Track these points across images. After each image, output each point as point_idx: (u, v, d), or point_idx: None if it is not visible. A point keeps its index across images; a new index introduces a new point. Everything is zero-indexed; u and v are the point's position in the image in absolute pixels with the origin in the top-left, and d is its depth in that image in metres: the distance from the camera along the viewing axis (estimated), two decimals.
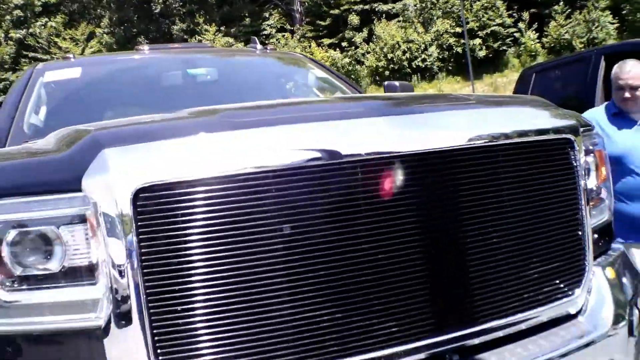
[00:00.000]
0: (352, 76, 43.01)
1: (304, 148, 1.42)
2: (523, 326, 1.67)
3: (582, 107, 5.73)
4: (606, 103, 3.75)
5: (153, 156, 1.35)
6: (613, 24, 38.37)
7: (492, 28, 39.51)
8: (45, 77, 3.08)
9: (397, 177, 1.51)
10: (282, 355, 1.39)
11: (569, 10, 35.70)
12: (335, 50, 44.92)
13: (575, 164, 1.79)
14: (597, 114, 3.68)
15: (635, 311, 1.99)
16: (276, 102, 2.29)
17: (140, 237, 1.30)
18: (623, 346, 1.84)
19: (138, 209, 1.30)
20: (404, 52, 43.99)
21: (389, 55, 43.85)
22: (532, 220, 1.71)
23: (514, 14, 36.17)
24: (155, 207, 1.31)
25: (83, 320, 1.36)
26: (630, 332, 1.88)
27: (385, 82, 3.66)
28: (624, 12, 36.07)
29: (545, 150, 1.77)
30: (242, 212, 1.37)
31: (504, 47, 40.57)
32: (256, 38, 4.01)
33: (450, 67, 42.64)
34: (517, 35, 40.97)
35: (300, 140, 1.43)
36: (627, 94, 3.48)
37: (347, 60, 45.11)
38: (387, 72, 42.98)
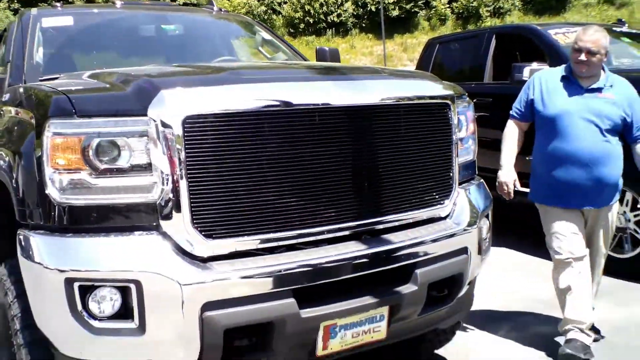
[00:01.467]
0: (267, 25, 43.05)
1: (285, 99, 2.28)
2: (410, 220, 2.64)
3: (473, 77, 6.78)
4: (563, 66, 3.75)
5: (192, 96, 2.17)
6: None
7: None
8: (42, 23, 3.71)
9: (338, 120, 2.41)
10: (281, 221, 2.26)
11: None
12: None
13: (450, 120, 2.75)
14: (548, 74, 3.75)
15: (485, 220, 3.01)
16: (266, 64, 3.13)
17: (187, 146, 2.12)
18: (474, 240, 2.83)
19: (185, 129, 2.11)
20: (321, 6, 44.16)
21: (306, 7, 43.89)
22: (421, 154, 2.66)
23: None
24: (195, 128, 2.14)
25: (143, 198, 2.16)
26: (480, 232, 2.89)
27: (317, 47, 4.52)
28: None
29: (432, 109, 2.73)
30: (242, 133, 2.21)
31: (416, 9, 41.71)
32: (213, 0, 4.75)
33: (363, 25, 43.42)
34: None
35: (284, 93, 2.29)
36: (583, 57, 3.47)
37: (263, 8, 44.69)
38: (302, 25, 43.19)
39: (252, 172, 2.23)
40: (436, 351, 3.79)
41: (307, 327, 2.30)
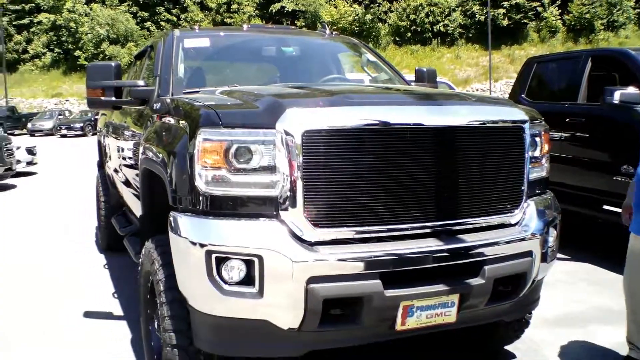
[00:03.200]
0: (372, 33, 43.68)
1: (383, 119, 2.84)
2: (483, 224, 3.12)
3: (568, 96, 7.04)
4: None
5: (310, 115, 2.77)
6: (635, 8, 38.63)
7: (518, 0, 39.77)
8: (185, 43, 4.46)
9: (427, 138, 2.94)
10: (374, 217, 2.82)
11: None
12: (359, 6, 45.25)
13: (524, 141, 3.21)
14: None
15: (552, 230, 3.43)
16: (369, 88, 3.73)
17: (304, 153, 2.72)
18: (538, 245, 3.27)
19: (304, 140, 2.71)
20: (427, 15, 44.25)
21: (412, 17, 44.13)
22: (495, 169, 3.14)
23: None
24: (311, 140, 2.73)
25: (268, 192, 2.78)
26: (545, 239, 3.32)
27: (416, 68, 5.05)
28: None
29: (509, 131, 3.20)
30: (347, 146, 2.79)
31: (525, 20, 40.95)
32: (325, 23, 5.40)
33: (470, 35, 43.15)
34: (539, 9, 41.30)
35: (383, 115, 2.86)
36: None
37: (369, 17, 45.38)
38: (408, 34, 43.51)
39: (353, 177, 2.80)
40: (506, 347, 4.22)
41: (389, 305, 2.84)
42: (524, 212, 3.28)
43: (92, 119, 36.30)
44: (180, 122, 3.15)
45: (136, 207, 4.79)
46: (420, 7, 43.81)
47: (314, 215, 2.76)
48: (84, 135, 35.46)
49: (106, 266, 6.66)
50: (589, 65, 6.94)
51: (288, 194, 2.75)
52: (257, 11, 44.26)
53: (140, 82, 4.24)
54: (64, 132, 35.90)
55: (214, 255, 2.75)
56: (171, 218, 2.97)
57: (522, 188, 3.26)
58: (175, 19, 45.82)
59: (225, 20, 43.05)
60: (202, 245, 2.77)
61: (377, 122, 2.84)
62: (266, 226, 2.77)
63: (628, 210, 3.76)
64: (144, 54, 5.66)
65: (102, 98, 4.17)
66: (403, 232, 2.92)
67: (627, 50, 6.64)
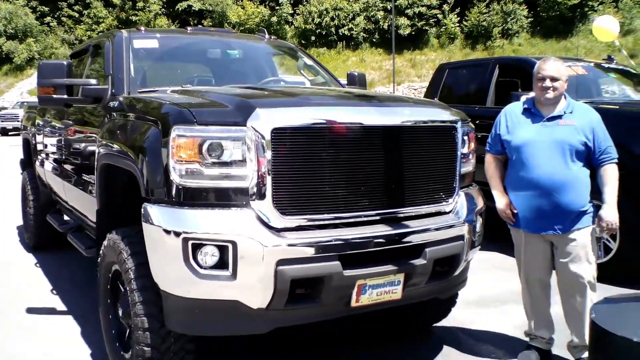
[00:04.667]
0: (279, 35, 44.08)
1: (339, 119, 3.20)
2: (423, 212, 3.55)
3: (477, 100, 7.69)
4: (525, 99, 4.08)
5: (277, 114, 3.09)
6: (527, 17, 41.11)
7: (420, 9, 41.30)
8: (134, 44, 4.64)
9: (375, 135, 3.33)
10: (333, 206, 3.17)
11: None
12: (265, 8, 45.48)
13: (455, 139, 3.67)
14: (512, 108, 4.05)
15: (479, 217, 3.91)
16: (324, 91, 4.09)
17: (272, 149, 3.02)
18: (469, 231, 3.73)
19: (272, 136, 3.02)
20: (332, 19, 45.02)
21: (316, 20, 44.74)
22: (432, 163, 3.58)
23: None
24: (278, 137, 3.04)
25: (239, 184, 3.06)
26: (474, 226, 3.79)
27: (348, 72, 5.47)
28: (539, 8, 38.79)
29: (442, 130, 3.65)
30: (309, 142, 3.12)
31: (426, 27, 42.56)
32: (265, 29, 5.72)
33: (374, 40, 44.37)
34: (440, 16, 43.04)
35: (339, 115, 3.22)
36: (547, 83, 3.74)
37: (274, 19, 45.63)
38: (313, 37, 44.18)
39: (315, 171, 3.14)
40: (435, 324, 4.70)
41: (347, 283, 3.20)
42: (456, 201, 3.73)
43: None
44: (151, 119, 3.37)
45: (81, 203, 4.92)
46: (325, 11, 44.55)
47: (281, 204, 3.08)
48: None
49: (37, 264, 6.64)
50: (496, 72, 7.61)
51: (257, 185, 3.05)
52: (163, 9, 43.52)
53: (93, 81, 4.39)
54: None
55: (190, 242, 3.01)
56: (146, 209, 3.19)
57: (455, 180, 3.72)
58: (77, 14, 44.28)
59: (130, 17, 42.07)
60: (178, 233, 3.02)
61: (335, 121, 3.20)
62: (238, 215, 3.06)
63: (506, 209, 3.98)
64: (83, 52, 5.75)
65: (54, 96, 4.29)
66: (357, 219, 3.29)
67: (530, 58, 7.36)
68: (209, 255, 3.03)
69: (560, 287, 3.94)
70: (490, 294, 5.46)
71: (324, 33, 42.81)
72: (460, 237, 3.64)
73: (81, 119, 4.82)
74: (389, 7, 38.06)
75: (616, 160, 3.79)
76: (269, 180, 3.05)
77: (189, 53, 5.05)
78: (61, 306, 5.27)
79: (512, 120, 3.97)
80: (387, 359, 4.16)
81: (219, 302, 3.12)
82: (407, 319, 4.63)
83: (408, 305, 4.13)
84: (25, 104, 20.69)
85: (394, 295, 3.42)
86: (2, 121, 33.17)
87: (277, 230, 3.07)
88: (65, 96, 4.31)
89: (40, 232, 7.02)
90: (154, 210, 3.15)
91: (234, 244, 2.99)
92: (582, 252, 3.80)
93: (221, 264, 3.04)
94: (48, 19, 44.71)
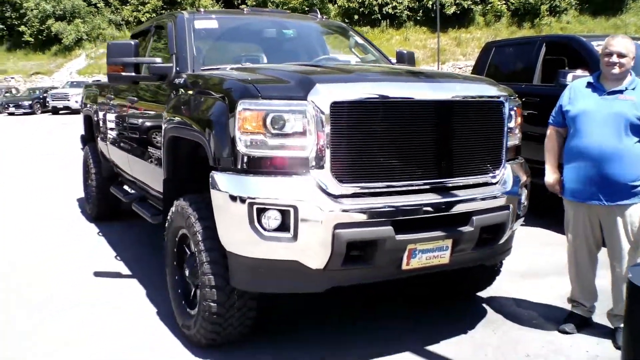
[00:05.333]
0: (322, 14, 44.17)
1: (394, 94, 3.42)
2: (471, 182, 3.75)
3: (524, 78, 7.76)
4: (591, 75, 4.18)
5: (336, 89, 3.33)
6: None
7: None
8: (195, 25, 4.92)
9: (428, 109, 3.54)
10: (387, 175, 3.40)
11: None
12: None
13: (503, 114, 3.85)
14: (577, 82, 4.17)
15: (524, 189, 4.09)
16: (380, 67, 4.32)
17: (331, 121, 3.27)
18: (514, 201, 3.92)
19: (331, 110, 3.27)
20: None
21: None
22: (480, 137, 3.77)
23: None
24: (337, 110, 3.28)
25: (300, 153, 3.31)
26: (519, 196, 3.97)
27: (397, 50, 5.66)
28: None
29: (490, 105, 3.84)
30: (365, 115, 3.36)
31: (472, 6, 42.07)
32: (317, 10, 5.94)
33: (418, 18, 44.02)
34: None
35: (394, 90, 3.44)
36: (614, 58, 3.85)
37: None
38: (356, 16, 44.11)
39: (370, 142, 3.37)
40: (479, 293, 4.91)
41: (398, 247, 3.43)
42: (503, 173, 3.92)
43: (41, 96, 35.67)
44: (217, 94, 3.65)
45: (146, 174, 5.25)
46: None
47: (338, 173, 3.33)
48: (33, 113, 34.83)
49: (100, 233, 7.05)
50: (543, 50, 7.67)
51: (317, 155, 3.30)
52: None
53: (159, 60, 4.69)
54: (11, 110, 35.10)
55: (255, 207, 3.29)
56: (214, 176, 3.47)
57: (502, 153, 3.90)
58: None
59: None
60: (244, 199, 3.30)
61: (390, 96, 3.43)
62: (299, 182, 3.31)
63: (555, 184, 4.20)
64: (144, 33, 6.08)
65: (123, 74, 4.61)
66: (409, 187, 3.52)
67: (577, 36, 7.40)
68: (272, 219, 3.30)
69: (609, 257, 4.09)
70: (534, 267, 5.63)
71: (367, 12, 42.69)
72: (505, 207, 3.83)
73: (147, 96, 5.14)
74: None
75: None
76: (327, 150, 3.29)
77: (246, 33, 5.32)
78: (125, 270, 5.64)
79: (574, 93, 4.10)
80: (432, 322, 4.39)
81: (281, 262, 3.39)
82: (453, 285, 4.84)
83: (454, 272, 4.37)
84: (85, 82, 21.40)
85: (442, 260, 3.64)
86: (53, 100, 34.19)
87: (335, 197, 3.32)
88: (133, 74, 4.62)
89: (101, 204, 7.44)
90: (221, 178, 3.43)
91: (295, 208, 3.25)
92: (629, 226, 3.92)
93: (283, 227, 3.30)
94: (95, 0, 45.62)
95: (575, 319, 4.26)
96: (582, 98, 4.03)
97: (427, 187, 3.59)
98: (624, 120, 3.83)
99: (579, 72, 6.74)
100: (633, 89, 3.92)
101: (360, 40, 5.66)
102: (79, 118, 9.14)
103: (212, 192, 3.48)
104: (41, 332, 4.27)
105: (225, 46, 5.18)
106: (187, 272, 4.03)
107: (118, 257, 6.06)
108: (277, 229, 3.31)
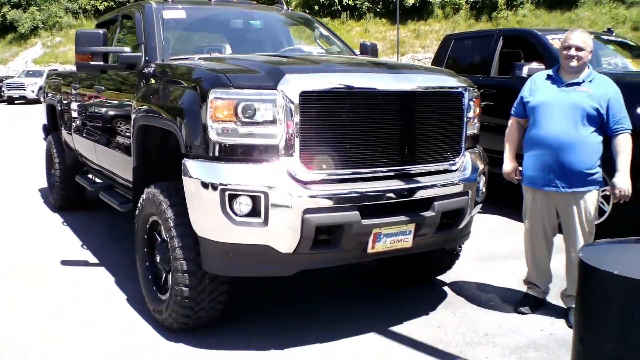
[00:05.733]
0: (281, 3, 44.09)
1: (359, 84, 3.58)
2: (432, 169, 3.93)
3: (482, 70, 8.01)
4: (551, 69, 4.35)
5: (304, 79, 3.47)
6: None
7: None
8: (164, 15, 4.98)
9: (391, 99, 3.70)
10: (353, 162, 3.55)
11: None
12: None
13: (463, 103, 4.05)
14: (538, 75, 4.38)
15: (482, 176, 4.30)
16: (344, 59, 4.47)
17: (300, 110, 3.40)
18: (473, 187, 4.12)
19: (300, 99, 3.40)
20: None
21: None
22: (441, 126, 3.96)
23: None
24: (306, 99, 3.42)
25: (270, 141, 3.44)
26: (478, 183, 4.18)
27: (360, 42, 5.82)
28: None
29: (451, 95, 4.02)
30: (332, 104, 3.50)
31: None
32: (283, 1, 6.07)
33: (378, 10, 44.30)
34: None
35: (358, 80, 3.60)
36: (572, 52, 4.04)
37: None
38: (317, 7, 44.16)
39: (336, 130, 3.53)
40: (439, 277, 5.12)
41: (364, 231, 3.59)
42: (462, 161, 4.12)
43: None
44: (189, 83, 3.74)
45: (114, 163, 5.31)
46: None
47: (307, 160, 3.47)
48: None
49: (64, 223, 7.05)
50: (500, 43, 7.93)
51: (286, 143, 3.44)
52: None
53: (127, 49, 4.74)
54: None
55: (227, 193, 3.40)
56: (186, 164, 3.57)
57: (461, 142, 4.10)
58: None
59: None
60: (216, 185, 3.41)
61: (355, 87, 3.58)
62: (269, 169, 3.44)
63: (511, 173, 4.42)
64: (111, 22, 6.10)
65: (91, 62, 4.65)
66: (374, 174, 3.68)
67: (533, 30, 7.67)
68: (244, 205, 3.43)
69: (565, 242, 4.32)
70: (492, 252, 5.87)
71: (327, 3, 42.79)
72: (465, 193, 4.03)
73: (115, 85, 5.18)
74: None
75: (629, 131, 4.05)
76: (296, 138, 3.43)
77: (213, 23, 5.40)
78: (92, 258, 5.68)
79: (535, 85, 4.30)
80: (395, 304, 4.58)
81: (251, 247, 3.52)
82: (415, 269, 5.03)
83: (416, 256, 4.56)
84: (40, 71, 20.75)
85: (405, 244, 3.82)
86: (8, 90, 33.39)
87: (304, 183, 3.46)
88: (102, 63, 4.67)
89: (65, 193, 7.43)
90: (193, 165, 3.54)
91: (265, 194, 3.38)
92: (583, 212, 4.13)
93: (254, 212, 3.43)
94: None
95: (530, 301, 4.50)
96: (542, 90, 4.22)
97: (391, 173, 3.75)
98: (580, 111, 4.03)
99: (534, 64, 7.01)
100: (590, 81, 4.11)
101: (324, 32, 5.80)
102: (37, 108, 9.07)
103: (184, 179, 3.58)
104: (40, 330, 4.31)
105: (193, 36, 5.26)
106: (158, 258, 4.12)
107: (84, 246, 6.09)
108: (248, 214, 3.44)
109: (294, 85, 3.42)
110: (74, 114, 6.53)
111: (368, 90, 3.62)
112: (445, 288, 4.94)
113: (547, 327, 4.18)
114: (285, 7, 6.01)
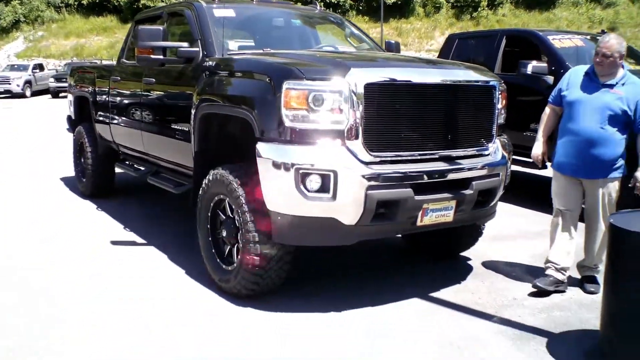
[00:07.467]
0: None
1: (414, 79, 4.12)
2: (470, 153, 4.48)
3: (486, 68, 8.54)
4: (590, 65, 4.60)
5: (368, 72, 3.99)
6: None
7: None
8: (215, 13, 5.44)
9: (438, 91, 4.24)
10: (408, 145, 4.09)
11: None
12: None
13: (495, 96, 4.60)
14: (577, 70, 4.67)
15: (509, 161, 4.85)
16: (398, 57, 5.01)
17: (365, 100, 3.92)
18: (503, 170, 4.67)
19: (365, 90, 3.91)
20: None
21: None
22: (478, 115, 4.51)
23: None
24: (369, 90, 3.93)
25: (337, 126, 3.94)
26: (506, 166, 4.74)
27: (386, 41, 6.35)
28: None
29: (486, 88, 4.58)
30: (391, 94, 4.03)
31: None
32: (317, 2, 6.58)
33: (361, 7, 44.82)
34: None
35: (413, 75, 4.14)
36: (598, 59, 4.37)
37: None
38: (299, 4, 44.43)
39: (393, 117, 4.06)
40: (462, 253, 5.67)
41: (416, 206, 4.12)
42: (494, 146, 4.67)
43: None
44: (261, 76, 4.22)
45: (168, 150, 5.75)
46: None
47: (369, 143, 3.98)
48: None
49: (99, 209, 7.46)
50: (503, 43, 8.51)
51: (351, 128, 3.94)
52: None
53: (185, 44, 5.20)
54: None
55: (300, 171, 3.90)
56: (259, 146, 4.05)
57: (493, 129, 4.65)
58: None
59: None
60: (290, 165, 3.90)
61: (411, 80, 4.12)
62: (337, 151, 3.94)
63: (538, 156, 4.93)
64: (154, 19, 6.53)
65: (152, 56, 5.11)
66: (423, 156, 4.21)
67: (536, 31, 8.26)
68: (314, 182, 3.92)
69: (585, 222, 4.82)
70: (502, 233, 6.42)
71: (309, 1, 43.32)
72: (496, 175, 4.58)
73: (168, 77, 5.63)
74: None
75: None
76: (360, 124, 3.94)
77: (257, 21, 5.90)
78: (139, 239, 6.12)
79: (573, 79, 4.63)
80: (429, 276, 5.12)
81: (319, 219, 4.01)
82: (442, 246, 5.58)
83: (444, 234, 5.10)
84: (24, 65, 20.55)
85: (447, 218, 4.36)
86: None
87: (366, 164, 3.97)
88: (162, 57, 5.13)
89: (97, 181, 7.83)
90: (268, 147, 4.02)
91: (335, 173, 3.88)
92: (606, 197, 4.56)
93: (323, 189, 3.93)
94: None
95: (549, 282, 4.87)
96: (579, 87, 4.56)
97: (437, 156, 4.29)
98: (610, 112, 4.38)
99: (535, 63, 7.59)
100: (623, 84, 4.42)
101: (355, 31, 6.34)
102: (26, 102, 9.42)
103: (259, 159, 4.06)
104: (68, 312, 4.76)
105: (240, 33, 5.72)
106: (224, 233, 4.58)
107: (127, 228, 6.51)
108: (318, 190, 3.93)
109: (359, 77, 3.93)
110: (114, 105, 6.94)
111: (420, 83, 4.15)
112: (470, 262, 5.50)
113: (567, 292, 4.75)
114: (318, 8, 6.54)
